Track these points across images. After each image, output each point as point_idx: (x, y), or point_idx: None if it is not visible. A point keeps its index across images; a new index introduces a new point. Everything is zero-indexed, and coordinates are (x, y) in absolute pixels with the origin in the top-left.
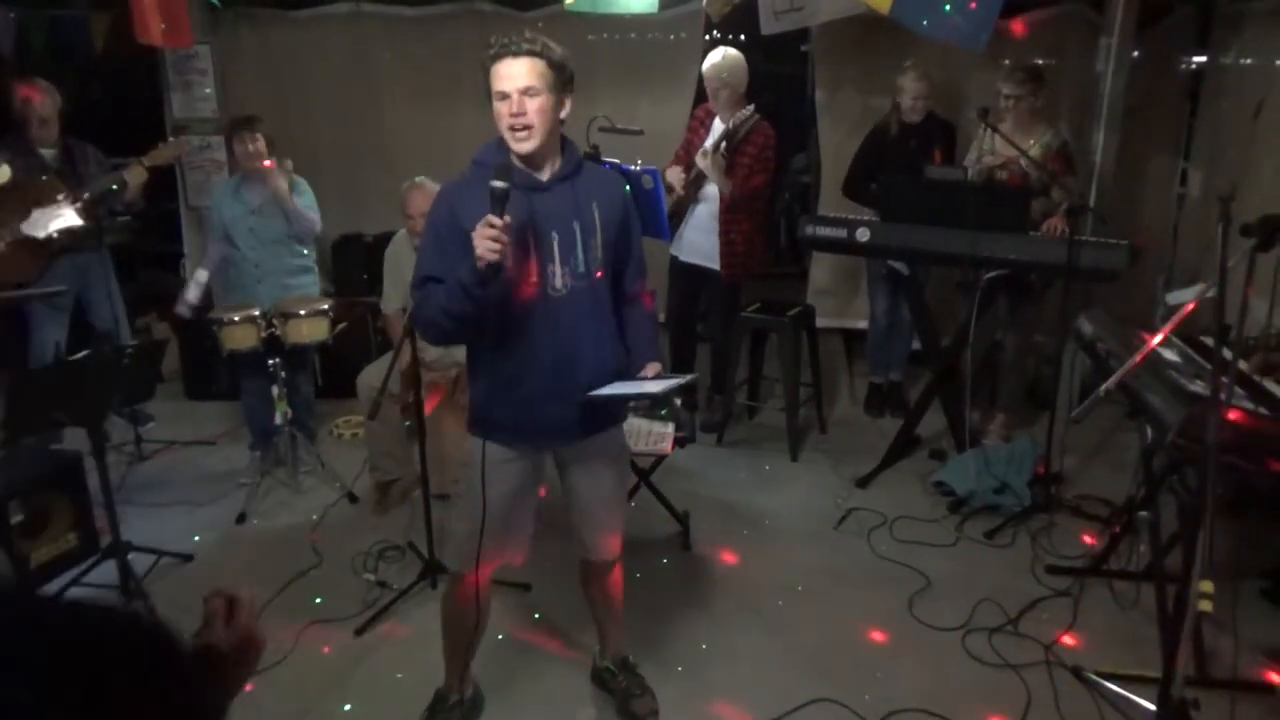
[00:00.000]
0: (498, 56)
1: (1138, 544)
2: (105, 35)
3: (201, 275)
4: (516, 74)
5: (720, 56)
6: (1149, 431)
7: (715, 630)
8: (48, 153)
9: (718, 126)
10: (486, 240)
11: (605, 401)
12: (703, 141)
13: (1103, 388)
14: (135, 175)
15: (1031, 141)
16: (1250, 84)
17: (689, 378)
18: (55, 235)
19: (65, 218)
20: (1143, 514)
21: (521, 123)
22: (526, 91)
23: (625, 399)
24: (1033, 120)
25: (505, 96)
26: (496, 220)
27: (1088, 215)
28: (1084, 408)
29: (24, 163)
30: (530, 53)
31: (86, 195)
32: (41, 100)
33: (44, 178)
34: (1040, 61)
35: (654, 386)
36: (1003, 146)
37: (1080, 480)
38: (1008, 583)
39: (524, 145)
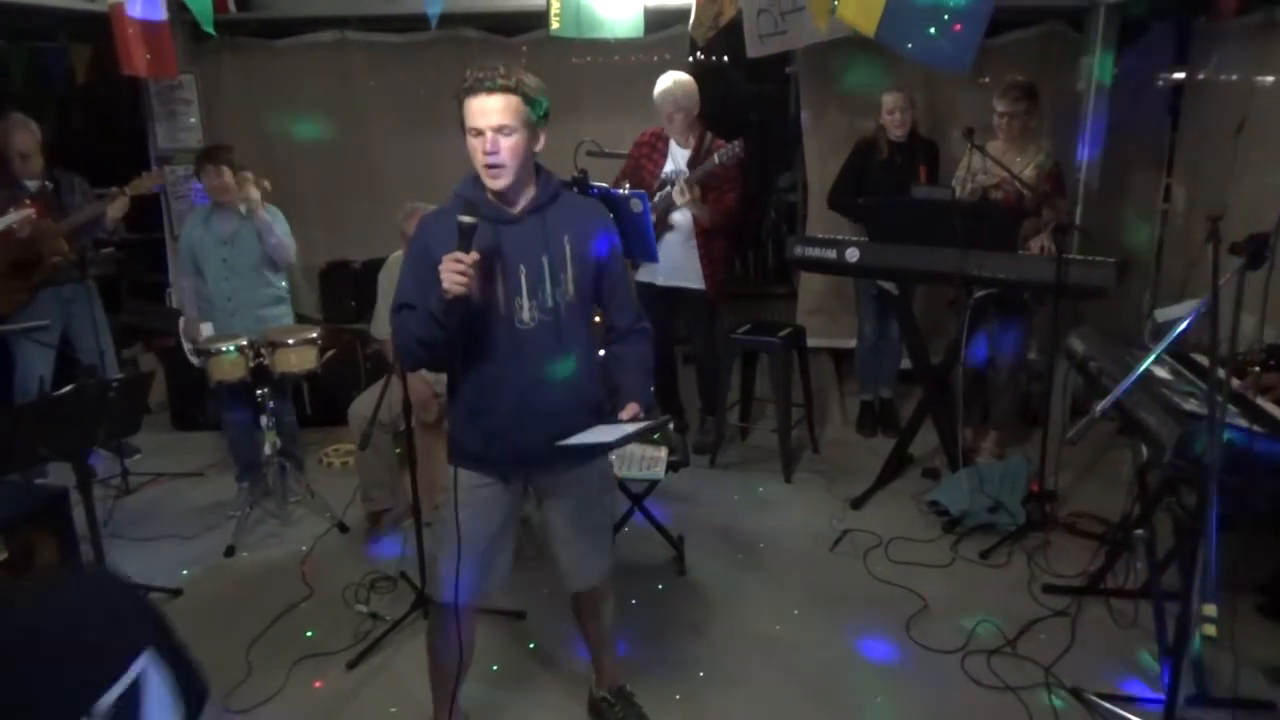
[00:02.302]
0: (471, 91)
1: (1134, 562)
2: (86, 67)
3: (207, 329)
4: (490, 110)
5: (671, 81)
6: (1143, 449)
7: (712, 656)
8: (32, 184)
9: (677, 152)
10: (452, 274)
11: (571, 450)
12: (657, 168)
13: (1098, 409)
14: (118, 206)
15: (1019, 159)
16: (1230, 100)
17: (657, 421)
18: (14, 226)
19: (16, 214)
20: (1139, 532)
21: (495, 161)
22: (500, 130)
23: (589, 449)
24: (1025, 138)
25: (479, 134)
26: (463, 256)
27: (1074, 233)
28: (1079, 428)
29: (7, 195)
30: (505, 89)
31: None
32: (20, 135)
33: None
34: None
35: (614, 434)
36: (996, 167)
37: (1074, 497)
38: (1005, 603)
39: (497, 183)
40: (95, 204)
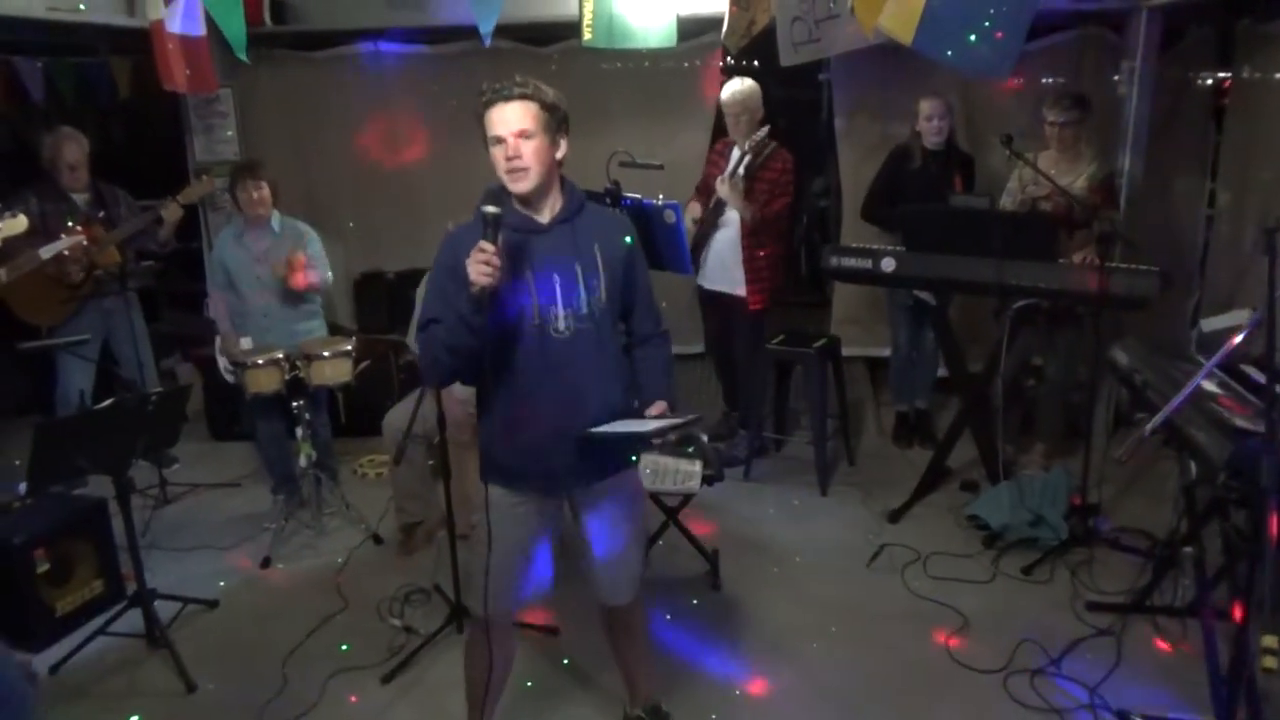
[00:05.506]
0: (490, 103)
1: (1181, 578)
2: (127, 81)
3: (246, 343)
4: (510, 118)
5: (740, 84)
6: (1191, 465)
7: (748, 674)
8: (79, 197)
9: (736, 155)
10: (478, 265)
11: (601, 440)
12: (720, 172)
13: (1147, 428)
14: (171, 212)
15: (1072, 170)
16: (1277, 104)
17: (688, 418)
18: (65, 253)
19: (68, 240)
20: (1186, 549)
21: (518, 164)
22: (521, 134)
23: (618, 439)
24: (1079, 149)
25: (500, 141)
26: (488, 245)
27: (1117, 242)
28: (1128, 446)
29: (55, 208)
30: (522, 96)
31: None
32: (69, 147)
33: (70, 222)
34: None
35: (648, 426)
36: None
37: (1117, 512)
38: (1048, 621)
39: (520, 185)
40: (141, 215)
